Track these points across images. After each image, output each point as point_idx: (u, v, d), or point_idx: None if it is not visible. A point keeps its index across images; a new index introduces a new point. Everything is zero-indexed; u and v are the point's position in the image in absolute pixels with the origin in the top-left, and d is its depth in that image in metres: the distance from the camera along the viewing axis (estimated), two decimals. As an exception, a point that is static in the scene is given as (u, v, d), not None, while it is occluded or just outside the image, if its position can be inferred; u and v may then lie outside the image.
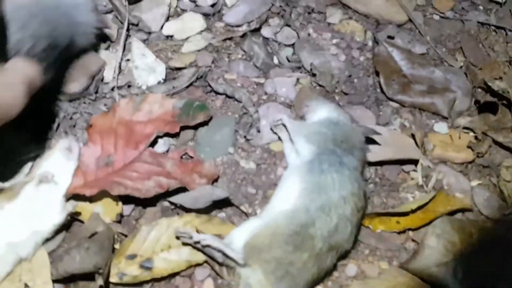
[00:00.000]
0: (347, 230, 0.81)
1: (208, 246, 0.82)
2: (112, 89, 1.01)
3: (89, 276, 0.80)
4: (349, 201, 0.81)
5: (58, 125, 0.95)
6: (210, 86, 1.03)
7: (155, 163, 0.91)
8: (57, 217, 0.84)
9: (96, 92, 1.01)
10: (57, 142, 0.90)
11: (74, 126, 0.96)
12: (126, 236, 0.87)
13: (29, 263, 0.81)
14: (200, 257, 0.85)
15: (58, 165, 0.87)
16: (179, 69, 1.06)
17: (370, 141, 0.93)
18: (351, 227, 0.82)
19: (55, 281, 0.80)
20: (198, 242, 0.82)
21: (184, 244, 0.84)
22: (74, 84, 0.99)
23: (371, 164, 0.95)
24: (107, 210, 0.88)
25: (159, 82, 1.03)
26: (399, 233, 0.90)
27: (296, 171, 0.86)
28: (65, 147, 0.88)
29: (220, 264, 0.83)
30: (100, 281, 0.78)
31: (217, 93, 1.03)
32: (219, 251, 0.81)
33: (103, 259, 0.80)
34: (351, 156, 0.86)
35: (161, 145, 0.95)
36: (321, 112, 0.92)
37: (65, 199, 0.86)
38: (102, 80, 1.02)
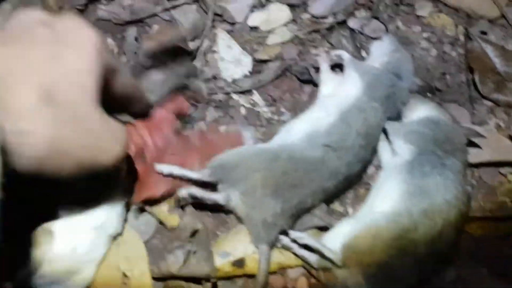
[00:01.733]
0: (451, 236, 0.78)
1: (305, 245, 0.80)
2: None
3: (192, 279, 0.80)
4: (453, 206, 0.79)
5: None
6: (297, 78, 1.00)
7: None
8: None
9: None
10: None
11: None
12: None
13: (126, 250, 0.81)
14: (292, 260, 0.84)
15: None
16: (264, 61, 1.03)
17: (469, 142, 0.89)
18: (455, 233, 0.79)
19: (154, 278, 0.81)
20: (294, 241, 0.81)
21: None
22: (157, 73, 0.98)
23: (468, 166, 0.91)
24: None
25: (245, 76, 1.01)
26: (498, 238, 0.86)
27: (394, 172, 0.83)
28: None
29: (315, 268, 0.81)
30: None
31: (304, 81, 1.00)
32: (317, 251, 0.79)
33: (212, 264, 0.80)
34: (454, 158, 0.83)
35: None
36: (420, 110, 0.89)
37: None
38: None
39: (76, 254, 0.77)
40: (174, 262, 0.81)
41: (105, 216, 0.81)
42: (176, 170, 0.84)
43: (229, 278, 0.83)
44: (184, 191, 0.84)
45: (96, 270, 0.79)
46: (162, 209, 0.86)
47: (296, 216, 0.84)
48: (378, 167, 0.92)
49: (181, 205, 0.86)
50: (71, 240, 0.78)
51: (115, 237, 0.82)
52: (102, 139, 0.63)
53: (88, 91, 0.60)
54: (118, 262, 0.81)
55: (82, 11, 1.04)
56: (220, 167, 0.83)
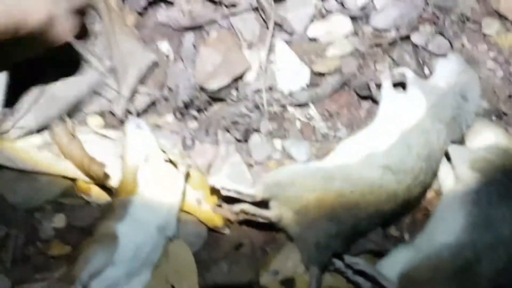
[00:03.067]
0: (515, 271, 0.74)
1: (359, 271, 0.77)
2: (256, 91, 0.97)
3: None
4: (520, 239, 0.74)
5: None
6: (356, 93, 0.97)
7: None
8: (180, 183, 0.84)
9: (237, 92, 0.98)
10: None
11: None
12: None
13: (175, 262, 0.81)
14: (344, 285, 0.81)
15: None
16: (323, 74, 1.01)
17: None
18: (520, 269, 0.75)
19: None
20: (348, 266, 0.78)
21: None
22: (213, 81, 0.97)
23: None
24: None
25: (302, 88, 0.99)
26: None
27: (458, 200, 0.80)
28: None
29: (368, 294, 0.79)
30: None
31: (363, 97, 0.97)
32: (372, 278, 0.77)
33: (254, 272, 0.78)
34: (522, 189, 0.79)
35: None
36: (487, 136, 0.85)
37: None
38: (241, 78, 0.99)
39: (139, 256, 0.77)
40: (218, 273, 0.80)
41: (166, 216, 0.80)
42: (229, 185, 0.82)
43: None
44: (237, 206, 0.82)
45: (152, 274, 0.79)
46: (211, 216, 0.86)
47: (351, 239, 0.81)
48: (438, 192, 0.88)
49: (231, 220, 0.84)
50: (135, 240, 0.77)
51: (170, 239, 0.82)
52: None
53: None
54: (167, 274, 0.80)
55: (141, 14, 1.03)
56: (274, 184, 0.81)
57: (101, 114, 0.95)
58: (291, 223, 0.81)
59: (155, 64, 0.98)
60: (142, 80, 0.97)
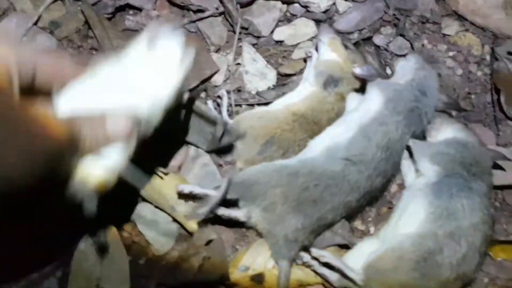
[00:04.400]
0: (475, 260, 0.78)
1: (326, 264, 0.80)
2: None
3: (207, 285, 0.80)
4: (479, 230, 0.78)
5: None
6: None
7: None
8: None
9: (206, 94, 1.00)
10: None
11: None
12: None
13: (109, 267, 0.81)
14: (311, 278, 0.83)
15: None
16: (289, 75, 1.03)
17: (494, 165, 0.88)
18: (479, 257, 0.78)
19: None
20: (315, 259, 0.81)
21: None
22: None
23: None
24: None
25: (269, 88, 1.01)
26: (522, 263, 0.85)
27: (420, 193, 0.83)
28: None
29: (335, 287, 0.81)
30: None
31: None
32: (338, 270, 0.79)
33: (225, 269, 0.79)
34: (480, 181, 0.82)
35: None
36: (447, 131, 0.88)
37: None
38: (209, 81, 1.01)
39: None
40: (188, 271, 0.81)
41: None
42: (197, 189, 0.84)
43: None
44: (205, 208, 0.84)
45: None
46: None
47: (317, 232, 0.84)
48: (401, 186, 0.91)
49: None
50: None
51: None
52: None
53: None
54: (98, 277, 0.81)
55: (109, 20, 1.04)
56: (240, 184, 0.83)
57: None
58: (259, 221, 0.82)
59: None
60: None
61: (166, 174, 0.87)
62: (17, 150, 0.50)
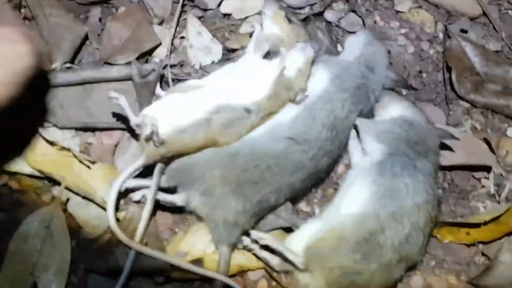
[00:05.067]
0: (419, 241, 0.75)
1: (267, 247, 0.76)
2: (164, 67, 0.93)
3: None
4: (423, 209, 0.75)
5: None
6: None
7: None
8: None
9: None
10: None
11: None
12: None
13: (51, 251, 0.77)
14: (253, 262, 0.80)
15: None
16: (235, 50, 0.99)
17: (442, 145, 0.85)
18: (423, 238, 0.75)
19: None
20: (256, 242, 0.77)
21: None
22: (120, 57, 0.93)
23: (440, 168, 0.87)
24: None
25: (213, 62, 0.96)
26: (468, 245, 0.84)
27: (364, 172, 0.79)
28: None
29: (276, 271, 0.77)
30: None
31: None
32: (279, 254, 0.75)
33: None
34: (426, 160, 0.79)
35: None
36: (394, 109, 0.85)
37: None
38: (150, 55, 0.95)
39: None
40: (121, 255, 0.77)
41: None
42: (132, 182, 0.79)
43: (185, 280, 0.78)
44: (139, 195, 0.79)
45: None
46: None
47: (259, 215, 0.80)
48: (348, 166, 0.88)
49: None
50: None
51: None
52: None
53: None
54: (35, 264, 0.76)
55: (43, -13, 0.97)
56: (175, 170, 0.79)
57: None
58: (198, 205, 0.78)
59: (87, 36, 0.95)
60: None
61: (93, 163, 0.81)
62: None
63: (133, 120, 0.78)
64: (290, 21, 0.91)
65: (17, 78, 0.69)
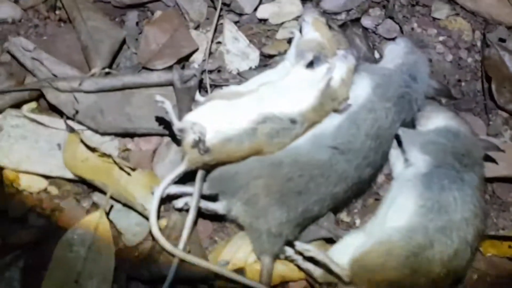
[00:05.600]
0: (467, 256, 0.74)
1: (311, 258, 0.75)
2: (202, 73, 0.92)
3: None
4: (471, 224, 0.74)
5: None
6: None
7: None
8: None
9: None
10: None
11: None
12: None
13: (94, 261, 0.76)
14: (295, 273, 0.79)
15: None
16: (272, 56, 0.98)
17: (485, 156, 0.84)
18: (471, 253, 0.74)
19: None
20: (299, 253, 0.76)
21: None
22: (158, 62, 0.92)
23: (482, 180, 0.86)
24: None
25: (250, 68, 0.95)
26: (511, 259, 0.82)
27: (408, 184, 0.78)
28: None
29: (319, 283, 0.76)
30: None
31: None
32: (323, 265, 0.74)
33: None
34: (472, 173, 0.78)
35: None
36: (438, 119, 0.84)
37: None
38: (187, 60, 0.95)
39: None
40: (164, 263, 0.76)
41: None
42: (173, 188, 0.79)
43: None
44: (181, 202, 0.78)
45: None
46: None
47: (303, 225, 0.79)
48: (388, 176, 0.87)
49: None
50: None
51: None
52: None
53: None
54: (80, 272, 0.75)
55: (80, -10, 0.97)
56: (218, 178, 0.78)
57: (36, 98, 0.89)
58: (240, 214, 0.77)
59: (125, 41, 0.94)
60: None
61: (133, 169, 0.80)
62: None
63: (177, 125, 0.77)
64: (330, 27, 0.90)
65: None
